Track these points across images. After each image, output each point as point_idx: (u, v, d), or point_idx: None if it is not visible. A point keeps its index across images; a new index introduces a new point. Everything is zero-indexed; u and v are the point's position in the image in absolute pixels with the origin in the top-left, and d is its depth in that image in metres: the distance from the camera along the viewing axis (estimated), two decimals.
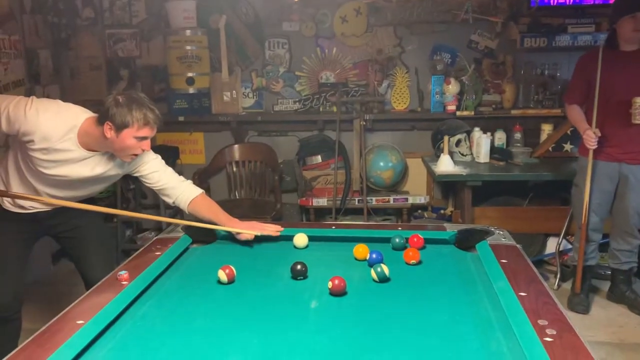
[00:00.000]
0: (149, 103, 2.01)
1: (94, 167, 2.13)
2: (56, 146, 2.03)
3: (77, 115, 2.07)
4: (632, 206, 3.11)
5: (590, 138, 3.01)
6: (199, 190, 2.27)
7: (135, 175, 2.24)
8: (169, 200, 2.27)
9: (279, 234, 2.18)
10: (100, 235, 2.44)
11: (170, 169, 2.28)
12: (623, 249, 3.23)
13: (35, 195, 2.16)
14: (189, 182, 2.30)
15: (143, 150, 2.07)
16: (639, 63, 2.99)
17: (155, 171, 2.22)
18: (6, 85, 3.61)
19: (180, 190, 2.25)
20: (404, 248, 1.99)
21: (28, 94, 3.84)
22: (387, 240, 2.08)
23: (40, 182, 2.15)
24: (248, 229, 2.15)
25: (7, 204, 2.24)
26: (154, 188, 2.27)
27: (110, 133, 1.98)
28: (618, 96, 3.01)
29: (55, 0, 4.22)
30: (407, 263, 1.89)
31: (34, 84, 3.97)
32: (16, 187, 2.18)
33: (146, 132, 2.01)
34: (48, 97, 4.11)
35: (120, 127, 1.96)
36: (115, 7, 4.39)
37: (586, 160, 3.10)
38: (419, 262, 1.89)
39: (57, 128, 2.02)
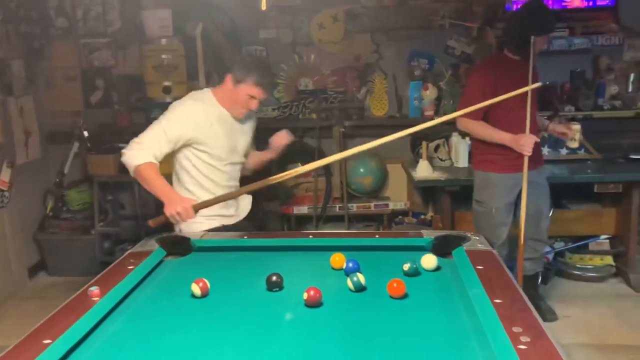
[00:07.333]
0: (268, 69, 2.44)
1: (244, 128, 2.52)
2: (209, 115, 2.37)
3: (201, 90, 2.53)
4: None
5: (530, 143, 2.84)
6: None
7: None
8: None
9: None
10: None
11: None
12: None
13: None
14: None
15: (250, 109, 2.41)
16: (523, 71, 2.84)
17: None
18: None
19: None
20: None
21: (0, 105, 3.80)
22: (365, 248, 2.06)
23: (217, 176, 2.46)
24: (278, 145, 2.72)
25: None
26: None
27: (229, 84, 2.34)
28: (515, 104, 2.83)
29: (28, 9, 4.16)
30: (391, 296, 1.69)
31: (7, 95, 3.90)
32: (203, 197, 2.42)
33: (257, 92, 2.34)
34: (21, 109, 4.04)
35: (237, 81, 2.33)
36: (89, 16, 4.34)
37: (488, 175, 3.06)
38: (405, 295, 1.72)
39: (197, 105, 2.38)
